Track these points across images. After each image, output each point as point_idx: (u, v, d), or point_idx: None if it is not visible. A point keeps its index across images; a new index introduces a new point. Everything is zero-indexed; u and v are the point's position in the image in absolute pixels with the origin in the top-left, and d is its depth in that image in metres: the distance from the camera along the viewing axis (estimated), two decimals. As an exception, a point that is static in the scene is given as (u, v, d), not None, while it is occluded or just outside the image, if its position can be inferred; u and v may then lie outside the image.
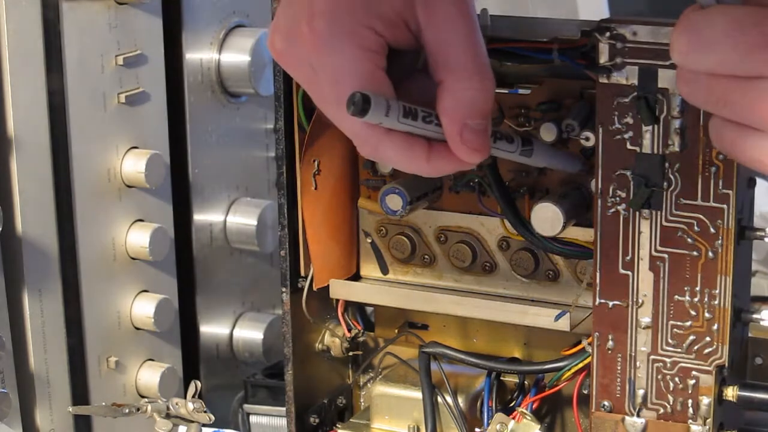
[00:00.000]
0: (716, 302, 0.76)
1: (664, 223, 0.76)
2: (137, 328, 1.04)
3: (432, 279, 0.88)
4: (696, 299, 0.76)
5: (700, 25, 0.57)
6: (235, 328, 1.14)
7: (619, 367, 0.79)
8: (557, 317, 0.81)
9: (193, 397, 0.89)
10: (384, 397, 0.89)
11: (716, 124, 0.60)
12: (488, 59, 0.70)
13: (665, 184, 0.75)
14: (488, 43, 0.80)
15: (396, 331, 0.91)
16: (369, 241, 0.90)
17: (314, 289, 0.87)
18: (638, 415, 0.79)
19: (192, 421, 0.89)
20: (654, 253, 0.77)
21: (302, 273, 0.87)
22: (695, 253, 0.76)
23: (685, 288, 0.77)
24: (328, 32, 0.68)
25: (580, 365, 0.82)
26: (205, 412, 0.89)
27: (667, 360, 0.78)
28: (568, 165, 0.80)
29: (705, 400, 0.77)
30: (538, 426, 0.83)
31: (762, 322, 0.79)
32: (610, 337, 0.79)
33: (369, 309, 0.93)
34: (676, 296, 0.77)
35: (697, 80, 0.58)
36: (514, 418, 0.83)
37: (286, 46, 0.71)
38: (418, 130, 0.69)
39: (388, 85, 0.69)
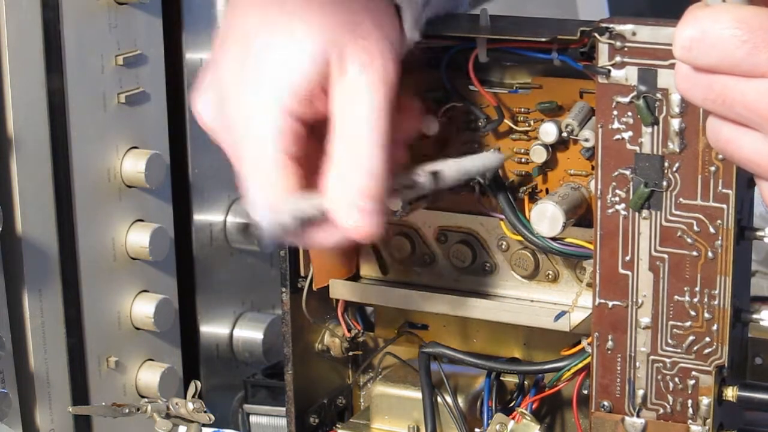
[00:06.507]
0: (716, 302, 0.76)
1: (664, 223, 0.76)
2: (137, 328, 1.04)
3: (432, 279, 0.88)
4: (696, 299, 0.76)
5: (705, 22, 0.57)
6: (235, 328, 1.14)
7: (618, 368, 0.79)
8: (557, 317, 0.81)
9: (193, 397, 0.89)
10: (384, 397, 0.89)
11: (713, 122, 0.60)
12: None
13: (665, 184, 0.75)
14: (488, 43, 0.80)
15: (396, 331, 0.91)
16: (369, 241, 0.90)
17: (314, 289, 0.87)
18: (638, 416, 0.79)
19: (192, 421, 0.89)
20: (654, 253, 0.77)
21: (302, 273, 0.87)
22: (695, 253, 0.76)
23: (685, 288, 0.77)
24: None
25: (580, 365, 0.82)
26: (205, 412, 0.89)
27: (667, 360, 0.78)
28: (486, 161, 0.80)
29: (705, 401, 0.77)
30: (538, 426, 0.83)
31: (762, 322, 0.79)
32: (609, 337, 0.79)
33: (369, 309, 0.93)
34: (676, 296, 0.77)
35: (697, 77, 0.58)
36: (513, 419, 0.83)
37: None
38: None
39: None
